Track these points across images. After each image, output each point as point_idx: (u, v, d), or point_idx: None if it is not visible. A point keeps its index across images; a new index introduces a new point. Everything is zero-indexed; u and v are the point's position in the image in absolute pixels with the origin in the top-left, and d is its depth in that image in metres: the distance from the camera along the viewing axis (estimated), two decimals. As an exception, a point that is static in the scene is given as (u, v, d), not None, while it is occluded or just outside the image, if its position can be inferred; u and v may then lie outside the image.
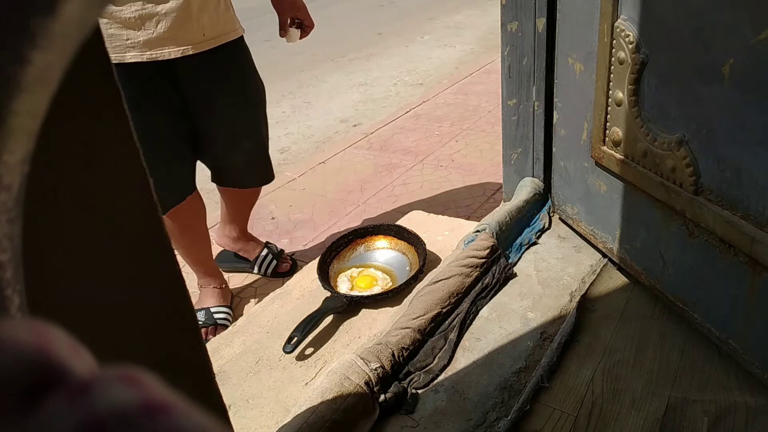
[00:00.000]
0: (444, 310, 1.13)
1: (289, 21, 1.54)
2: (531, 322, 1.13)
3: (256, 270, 1.80)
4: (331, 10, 5.60)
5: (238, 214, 1.74)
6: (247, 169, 1.57)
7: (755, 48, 0.77)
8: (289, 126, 3.19)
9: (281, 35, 1.57)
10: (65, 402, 0.13)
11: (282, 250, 1.84)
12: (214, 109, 1.41)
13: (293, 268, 1.80)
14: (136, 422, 0.13)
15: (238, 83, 1.44)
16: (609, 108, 1.09)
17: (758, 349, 0.92)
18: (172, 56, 1.28)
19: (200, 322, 1.55)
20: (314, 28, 1.60)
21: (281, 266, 1.80)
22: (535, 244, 1.36)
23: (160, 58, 1.27)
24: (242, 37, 1.44)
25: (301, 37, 1.58)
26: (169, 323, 0.46)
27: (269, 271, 1.79)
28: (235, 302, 1.71)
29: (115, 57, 1.22)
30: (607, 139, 1.12)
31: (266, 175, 1.61)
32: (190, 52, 1.30)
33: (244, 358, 1.18)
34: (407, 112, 3.02)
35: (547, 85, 1.29)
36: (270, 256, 1.79)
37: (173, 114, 1.37)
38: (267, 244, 1.82)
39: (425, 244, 1.39)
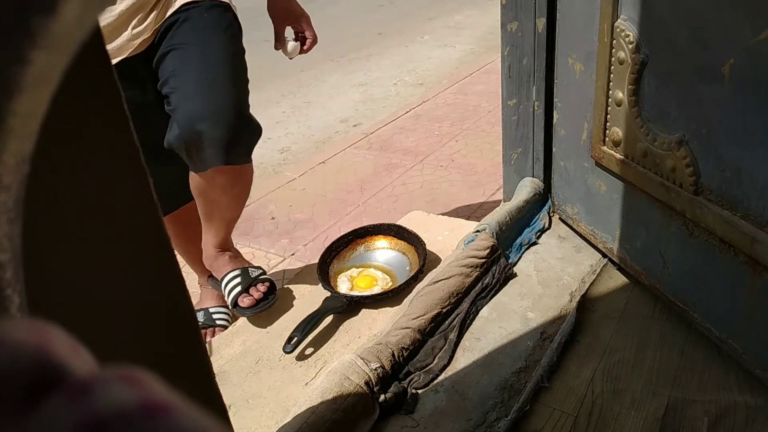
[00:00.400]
0: (444, 310, 1.13)
1: (294, 33, 1.38)
2: (531, 322, 1.13)
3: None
4: (330, 9, 5.60)
5: (206, 219, 1.36)
6: (194, 142, 1.15)
7: (755, 48, 0.77)
8: (289, 126, 3.19)
9: (276, 47, 1.36)
10: (65, 402, 0.13)
11: (260, 276, 1.41)
12: (177, 70, 1.20)
13: (262, 303, 1.36)
14: (137, 422, 0.13)
15: (191, 39, 1.19)
16: (609, 108, 1.09)
17: (758, 349, 0.92)
18: (141, 49, 1.21)
19: (199, 323, 1.46)
20: (314, 29, 1.38)
21: (242, 299, 1.36)
22: (535, 244, 1.36)
23: (131, 54, 1.20)
24: (216, 3, 1.22)
25: (301, 52, 1.38)
26: (169, 323, 0.46)
27: (229, 301, 1.40)
28: (235, 302, 1.70)
29: None
30: (607, 139, 1.12)
31: (224, 154, 1.16)
32: (155, 36, 1.22)
33: (244, 358, 1.18)
34: (407, 112, 3.02)
35: (547, 85, 1.29)
36: (234, 281, 1.39)
37: (158, 118, 1.28)
38: (244, 269, 1.42)
39: (425, 244, 1.39)
